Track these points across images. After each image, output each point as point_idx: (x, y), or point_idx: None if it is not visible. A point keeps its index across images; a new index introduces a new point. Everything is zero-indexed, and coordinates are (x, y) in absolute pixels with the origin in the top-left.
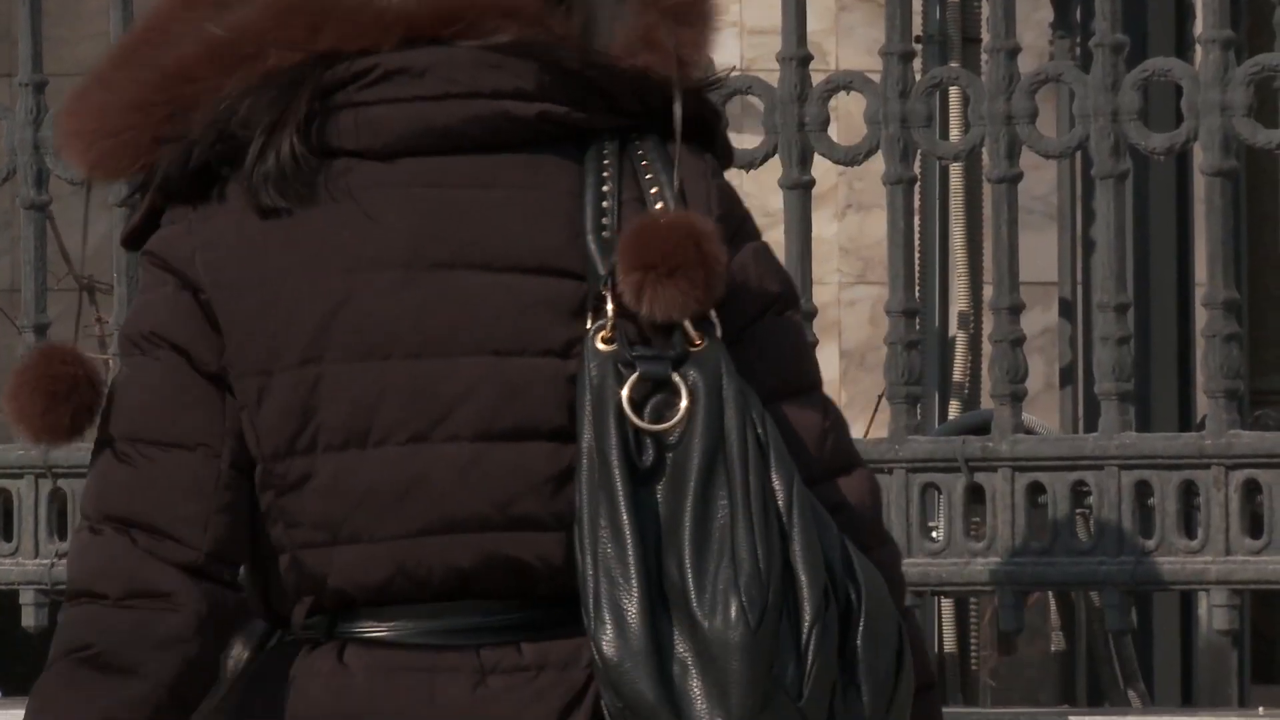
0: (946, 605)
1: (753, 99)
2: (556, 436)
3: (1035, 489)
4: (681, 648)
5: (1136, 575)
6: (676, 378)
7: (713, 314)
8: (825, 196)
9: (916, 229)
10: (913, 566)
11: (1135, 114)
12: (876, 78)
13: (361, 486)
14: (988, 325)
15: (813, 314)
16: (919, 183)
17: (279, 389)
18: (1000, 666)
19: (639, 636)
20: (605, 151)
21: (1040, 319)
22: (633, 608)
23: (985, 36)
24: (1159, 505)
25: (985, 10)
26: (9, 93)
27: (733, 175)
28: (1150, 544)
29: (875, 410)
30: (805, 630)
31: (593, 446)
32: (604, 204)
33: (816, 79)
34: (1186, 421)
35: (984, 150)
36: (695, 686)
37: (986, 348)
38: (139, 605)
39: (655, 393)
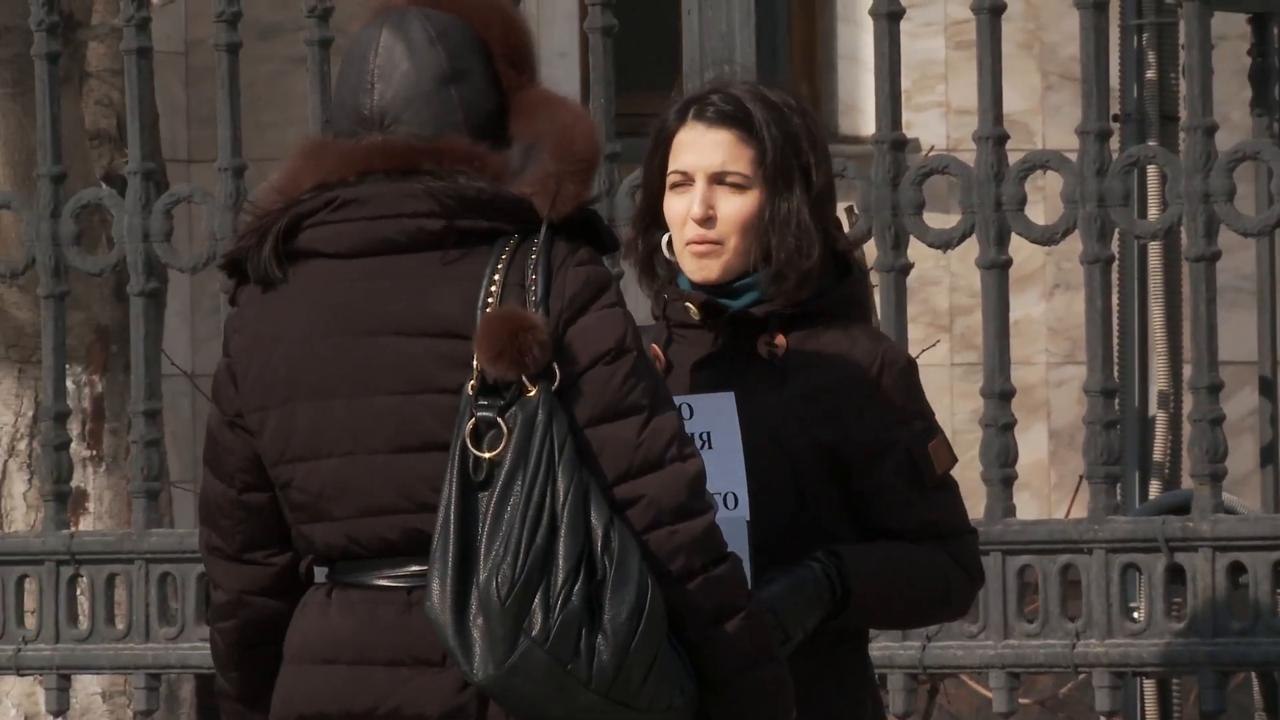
0: (1149, 686)
1: (950, 178)
2: (447, 448)
3: (1236, 569)
4: (474, 609)
5: None
6: (501, 420)
7: (554, 366)
8: (1033, 276)
9: (1115, 308)
10: (1114, 647)
11: None
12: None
13: (319, 485)
14: (1188, 405)
15: (1009, 393)
16: (1118, 261)
17: (272, 419)
18: None
19: (447, 599)
20: (506, 248)
21: (1248, 399)
22: (446, 579)
23: (1184, 114)
24: None
25: (1184, 88)
26: (213, 177)
27: (928, 255)
28: None
29: (1076, 491)
30: (555, 595)
31: (450, 466)
32: (492, 287)
33: (1022, 158)
34: None
35: (1182, 228)
36: (478, 636)
37: (1187, 427)
38: (213, 587)
39: (491, 429)
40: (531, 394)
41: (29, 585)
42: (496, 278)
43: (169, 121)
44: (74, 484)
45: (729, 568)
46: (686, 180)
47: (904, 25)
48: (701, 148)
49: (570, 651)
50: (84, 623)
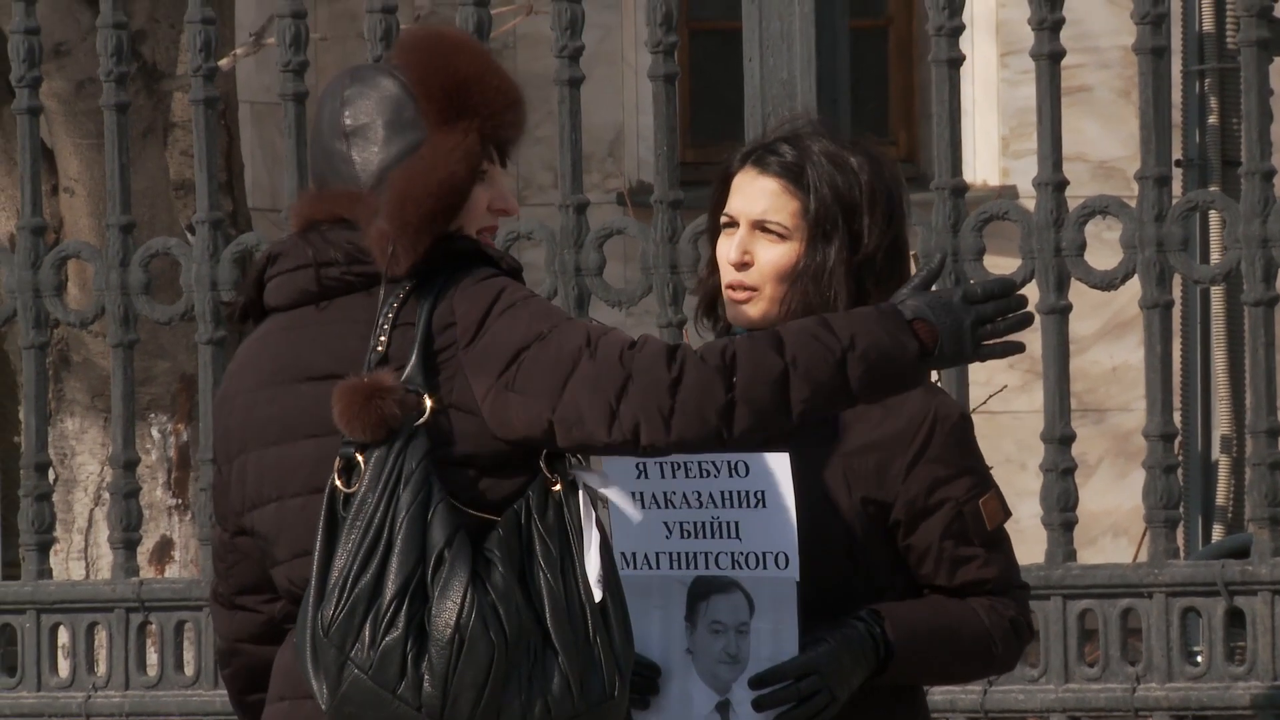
0: None
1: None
2: None
3: None
4: (320, 638)
5: None
6: (360, 458)
7: (426, 400)
8: (1132, 323)
9: (1179, 353)
10: (1174, 691)
11: None
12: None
13: (265, 530)
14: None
15: (1069, 438)
16: (1181, 306)
17: (234, 470)
18: None
19: (306, 628)
20: (402, 291)
21: None
22: (307, 608)
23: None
24: None
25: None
26: None
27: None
28: None
29: (1143, 537)
30: (380, 621)
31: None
32: (385, 325)
33: (1081, 203)
34: None
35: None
36: (319, 664)
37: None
38: (215, 634)
39: (355, 466)
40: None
41: (99, 632)
42: (390, 315)
43: (273, 173)
44: (161, 533)
45: (687, 373)
46: (732, 224)
47: (1001, 73)
48: (749, 194)
49: (395, 679)
50: (153, 670)
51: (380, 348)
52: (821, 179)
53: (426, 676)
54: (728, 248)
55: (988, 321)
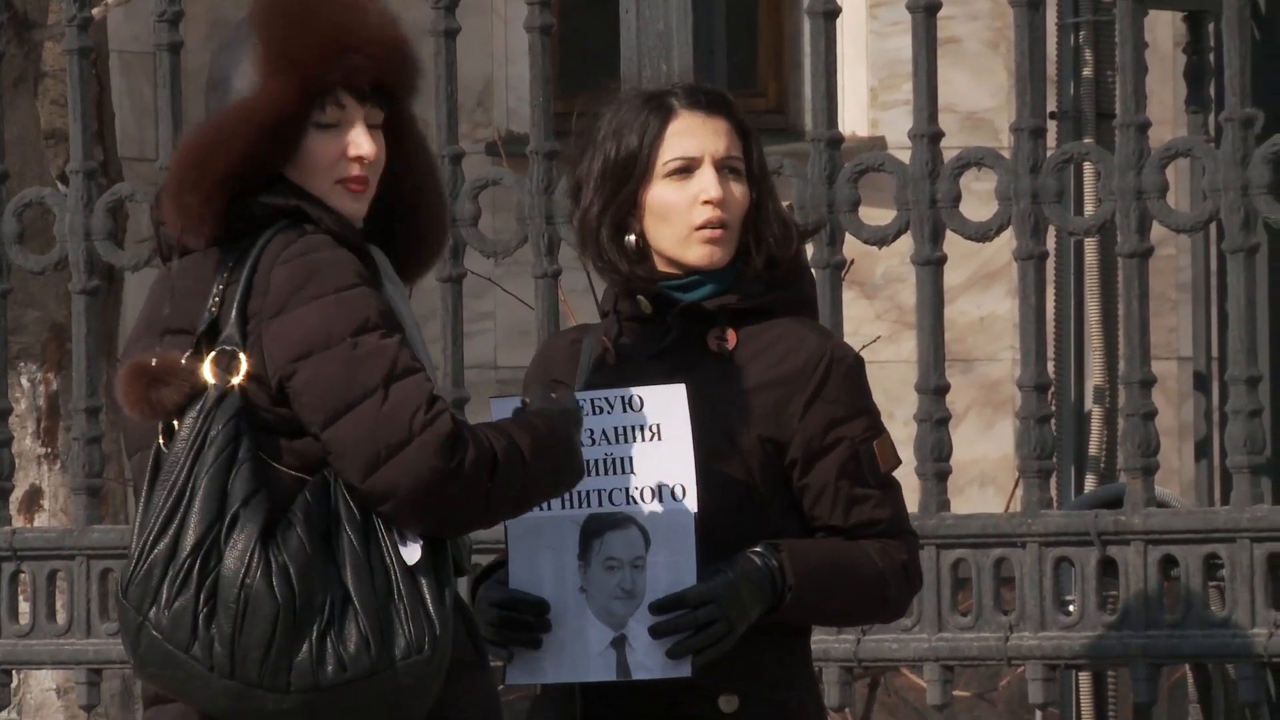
0: (1084, 679)
1: (885, 175)
2: None
3: (1168, 562)
4: (120, 600)
5: (1270, 647)
6: (177, 424)
7: (239, 370)
8: (999, 274)
9: (1052, 304)
10: (1046, 640)
11: (1265, 188)
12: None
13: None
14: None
15: (944, 388)
16: (1055, 258)
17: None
18: None
19: (125, 582)
20: (240, 250)
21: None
22: (125, 576)
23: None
24: None
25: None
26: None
27: (896, 252)
28: None
29: (1015, 487)
30: (175, 582)
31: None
32: (220, 285)
33: (956, 155)
34: None
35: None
36: (124, 626)
37: (1122, 422)
38: None
39: (175, 430)
40: (205, 401)
41: None
42: (227, 276)
43: (140, 123)
44: (30, 481)
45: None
46: (691, 166)
47: (871, 24)
48: (705, 134)
49: (187, 639)
50: (25, 619)
51: (214, 308)
52: (747, 121)
53: (216, 636)
54: (690, 190)
55: None
